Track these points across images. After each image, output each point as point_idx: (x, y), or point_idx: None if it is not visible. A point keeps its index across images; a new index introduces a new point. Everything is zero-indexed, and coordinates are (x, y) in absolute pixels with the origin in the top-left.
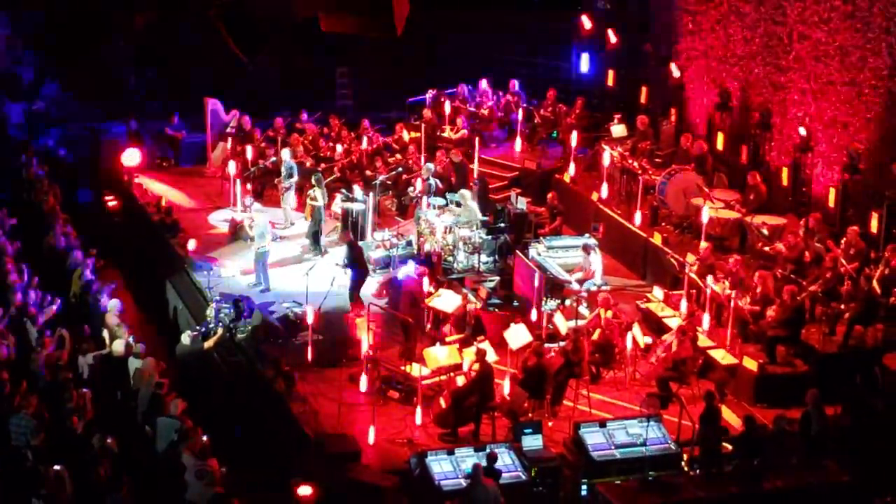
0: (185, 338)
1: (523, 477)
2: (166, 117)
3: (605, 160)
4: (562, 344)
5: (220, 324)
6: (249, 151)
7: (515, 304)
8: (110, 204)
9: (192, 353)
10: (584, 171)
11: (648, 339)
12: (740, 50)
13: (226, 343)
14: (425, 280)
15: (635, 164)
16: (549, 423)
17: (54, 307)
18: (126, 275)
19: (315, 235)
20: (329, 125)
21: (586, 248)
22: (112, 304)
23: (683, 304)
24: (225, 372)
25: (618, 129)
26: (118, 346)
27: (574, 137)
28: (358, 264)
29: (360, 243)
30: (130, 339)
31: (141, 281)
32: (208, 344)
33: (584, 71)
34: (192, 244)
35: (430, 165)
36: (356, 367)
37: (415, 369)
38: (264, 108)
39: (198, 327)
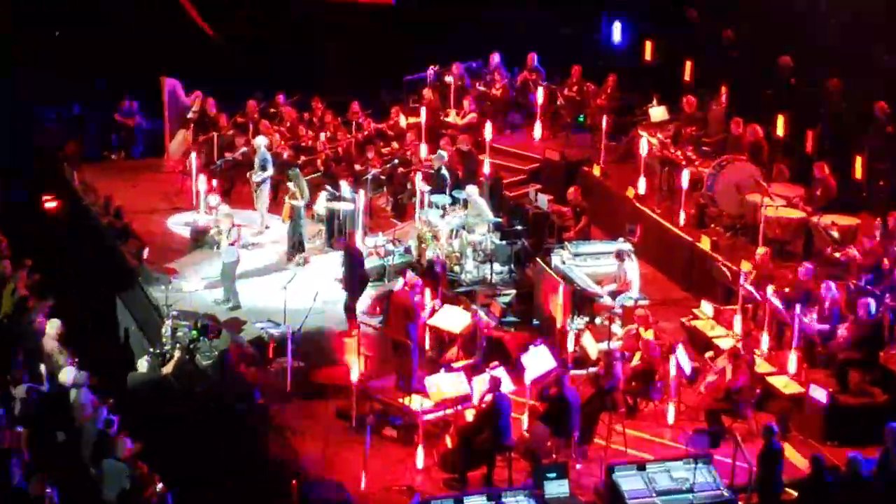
0: (143, 364)
1: None
2: (115, 100)
3: (643, 149)
4: (592, 370)
5: (178, 344)
6: (215, 141)
7: (535, 322)
8: (48, 205)
9: (146, 383)
10: (616, 163)
11: (696, 364)
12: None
13: (187, 370)
14: (427, 295)
15: (678, 153)
16: (577, 466)
17: None
18: (67, 290)
19: (294, 241)
20: (311, 109)
21: (620, 255)
22: (50, 326)
23: (737, 322)
24: (187, 405)
25: (657, 112)
26: (60, 376)
27: (605, 122)
28: (358, 273)
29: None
30: (73, 367)
31: (85, 297)
32: (166, 370)
33: (617, 42)
34: (146, 253)
35: (443, 153)
36: (345, 399)
37: (415, 402)
38: (233, 89)
39: (151, 350)
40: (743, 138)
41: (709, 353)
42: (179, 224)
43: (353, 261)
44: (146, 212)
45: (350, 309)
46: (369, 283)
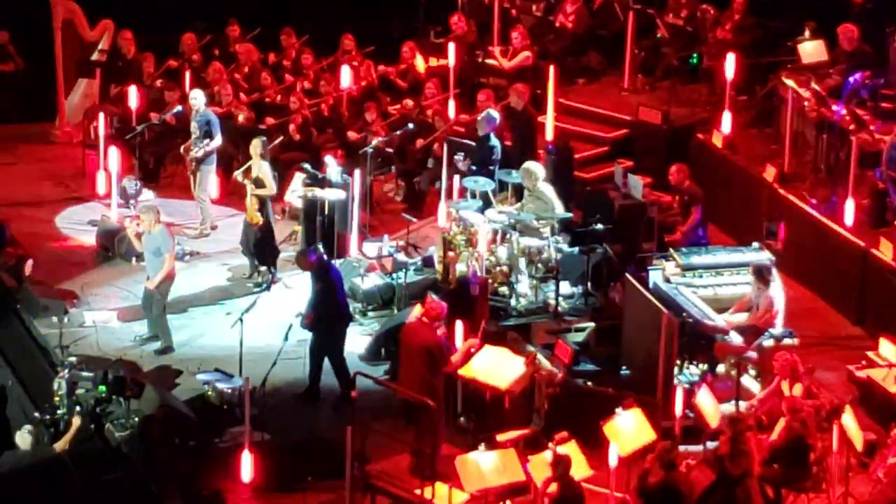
0: (24, 437)
1: None
2: None
3: (789, 106)
4: (711, 446)
5: (78, 408)
6: (134, 95)
7: (625, 371)
8: None
9: (30, 466)
10: (749, 127)
11: (871, 437)
12: None
13: (90, 446)
14: (458, 330)
15: (844, 112)
16: None
17: None
18: None
19: (257, 248)
20: (280, 47)
21: (761, 273)
22: None
23: None
24: (89, 500)
25: (810, 48)
26: None
27: (730, 64)
28: (330, 306)
29: (337, 264)
30: None
31: None
32: (59, 445)
33: None
34: (28, 267)
35: (494, 113)
36: (333, 491)
37: (441, 494)
38: (162, 16)
39: (37, 415)
40: None
41: None
42: (80, 223)
43: (327, 284)
44: (29, 204)
45: (340, 365)
46: (369, 313)
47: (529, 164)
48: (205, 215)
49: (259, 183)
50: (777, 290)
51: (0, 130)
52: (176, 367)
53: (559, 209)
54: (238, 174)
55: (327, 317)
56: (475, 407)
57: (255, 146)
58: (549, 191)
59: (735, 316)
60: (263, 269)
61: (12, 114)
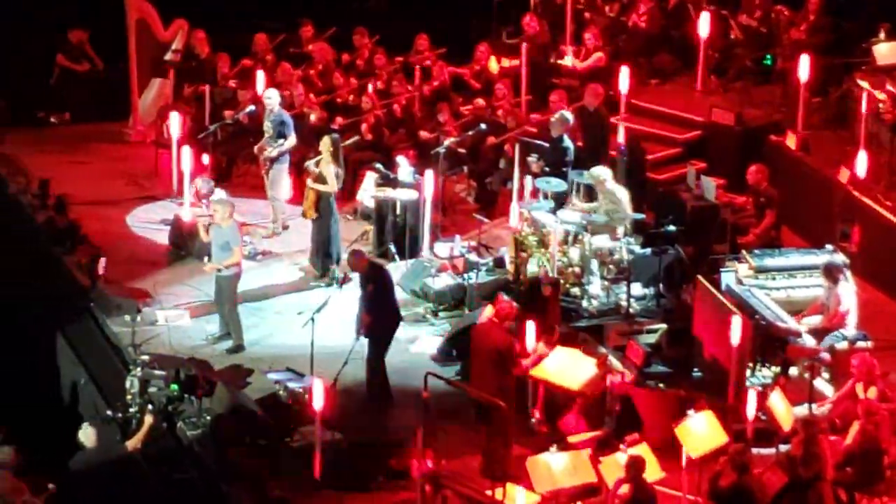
0: (87, 434)
1: None
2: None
3: (863, 107)
4: (784, 448)
5: (150, 407)
6: (207, 95)
7: (697, 373)
8: None
9: (100, 464)
10: (823, 129)
11: None
12: None
13: (161, 443)
14: (529, 331)
15: None
16: None
17: None
18: None
19: (324, 247)
20: (354, 48)
21: (832, 273)
22: None
23: None
24: (161, 498)
25: (885, 50)
26: None
27: (804, 65)
28: (381, 309)
29: (402, 265)
30: None
31: (7, 334)
32: (131, 444)
33: None
34: (102, 266)
35: (567, 114)
36: (404, 490)
37: (512, 495)
38: (234, 18)
39: (109, 413)
40: None
41: None
42: (153, 222)
43: (375, 286)
44: (102, 203)
45: (375, 371)
46: (441, 314)
47: (599, 169)
48: (276, 215)
49: (320, 179)
50: (847, 290)
51: (75, 129)
52: (247, 366)
53: (629, 210)
54: (310, 164)
55: (380, 319)
56: (548, 408)
57: (325, 144)
58: (619, 192)
59: (808, 319)
60: (335, 268)
61: (87, 113)
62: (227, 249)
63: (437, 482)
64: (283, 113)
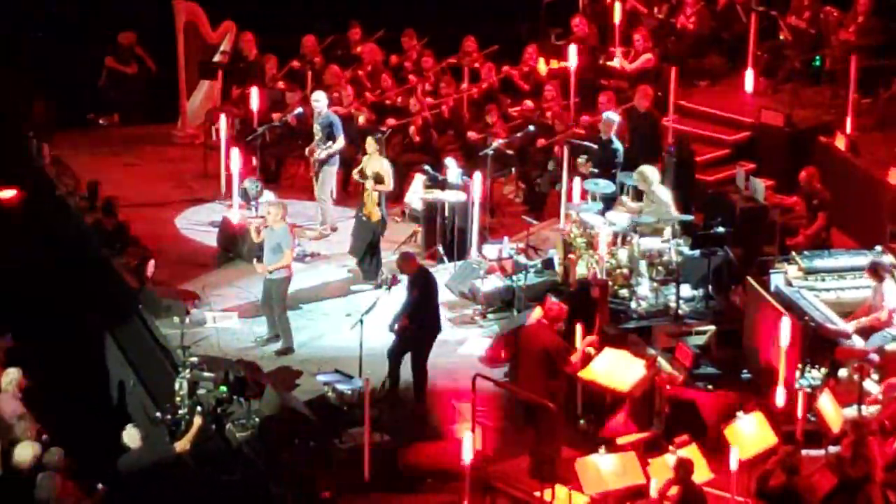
0: (132, 435)
1: None
2: (107, 41)
3: None
4: (833, 450)
5: (199, 408)
6: (256, 97)
7: (746, 375)
8: (2, 195)
9: (149, 466)
10: (873, 130)
11: None
12: None
13: (210, 445)
14: (578, 333)
15: None
16: None
17: None
18: (29, 324)
19: (372, 249)
20: (402, 50)
21: (877, 271)
22: (6, 378)
23: None
24: (213, 500)
25: None
26: (21, 453)
27: (854, 67)
28: (420, 318)
29: (450, 267)
30: (36, 443)
31: (57, 335)
32: (179, 445)
33: None
34: (151, 267)
35: (614, 116)
36: (453, 490)
37: (561, 495)
38: (282, 20)
39: (158, 415)
40: None
41: None
42: (201, 224)
43: (421, 290)
44: (151, 205)
45: (420, 376)
46: (489, 315)
47: (643, 168)
48: (325, 217)
49: (379, 178)
50: (892, 288)
51: (124, 131)
52: (296, 368)
53: (674, 212)
54: (356, 173)
55: (422, 324)
56: (597, 409)
57: (371, 144)
58: (664, 194)
59: (858, 321)
60: (384, 270)
61: (135, 115)
62: (279, 251)
63: (485, 483)
64: (331, 114)
